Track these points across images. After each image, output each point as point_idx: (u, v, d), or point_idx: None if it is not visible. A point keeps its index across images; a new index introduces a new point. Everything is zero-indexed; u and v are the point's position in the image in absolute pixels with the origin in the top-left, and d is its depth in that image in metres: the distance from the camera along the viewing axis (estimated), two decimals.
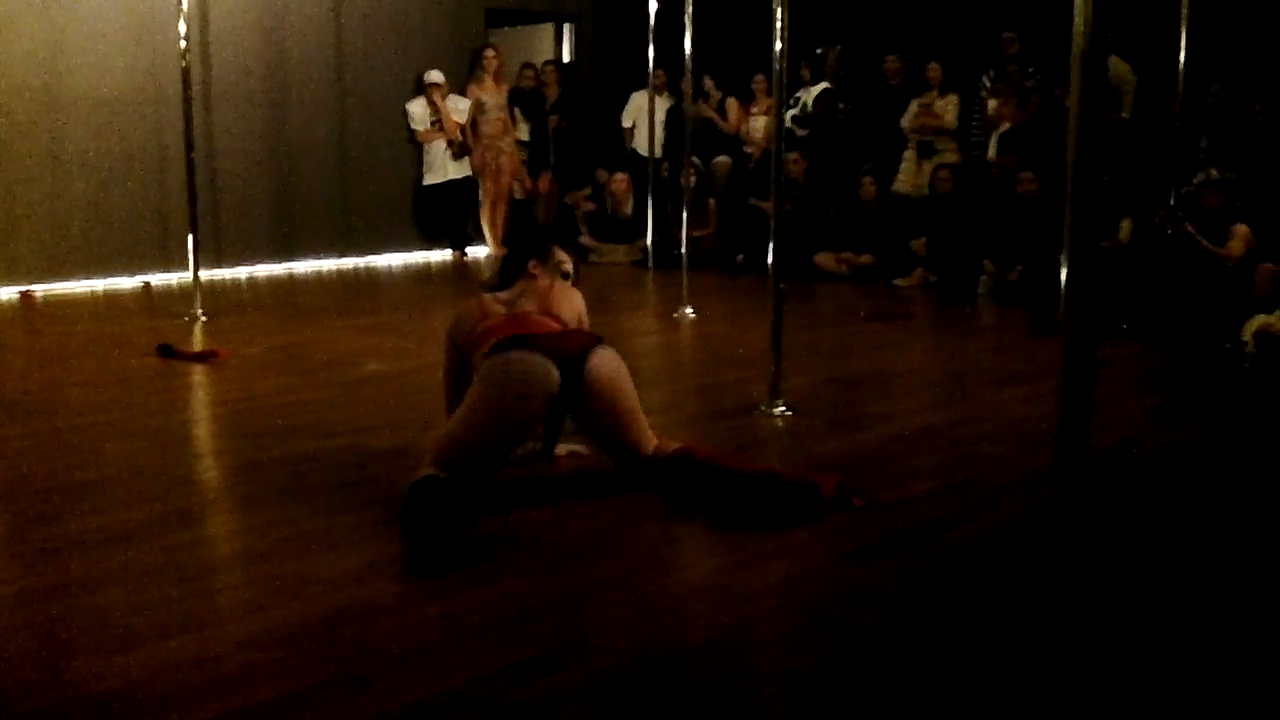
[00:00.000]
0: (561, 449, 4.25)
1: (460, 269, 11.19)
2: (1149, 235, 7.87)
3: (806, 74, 10.81)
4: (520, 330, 3.92)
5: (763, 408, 5.10)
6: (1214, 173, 7.34)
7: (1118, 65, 9.18)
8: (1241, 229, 7.16)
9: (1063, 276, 2.47)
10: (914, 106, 10.16)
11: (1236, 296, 6.56)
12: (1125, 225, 8.45)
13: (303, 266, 10.73)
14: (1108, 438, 4.49)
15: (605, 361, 3.87)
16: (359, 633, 2.82)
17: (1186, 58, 7.88)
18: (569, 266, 4.40)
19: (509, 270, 4.41)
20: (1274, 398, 4.85)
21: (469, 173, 11.65)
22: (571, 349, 3.85)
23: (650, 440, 3.95)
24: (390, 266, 11.20)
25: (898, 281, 9.53)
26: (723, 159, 11.28)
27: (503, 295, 4.26)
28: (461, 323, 4.19)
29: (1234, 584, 3.24)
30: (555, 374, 3.74)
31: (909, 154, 10.26)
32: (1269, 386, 5.07)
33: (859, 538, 3.50)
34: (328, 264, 10.91)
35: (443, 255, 11.69)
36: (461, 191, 11.72)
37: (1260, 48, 8.56)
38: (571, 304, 4.26)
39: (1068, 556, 2.52)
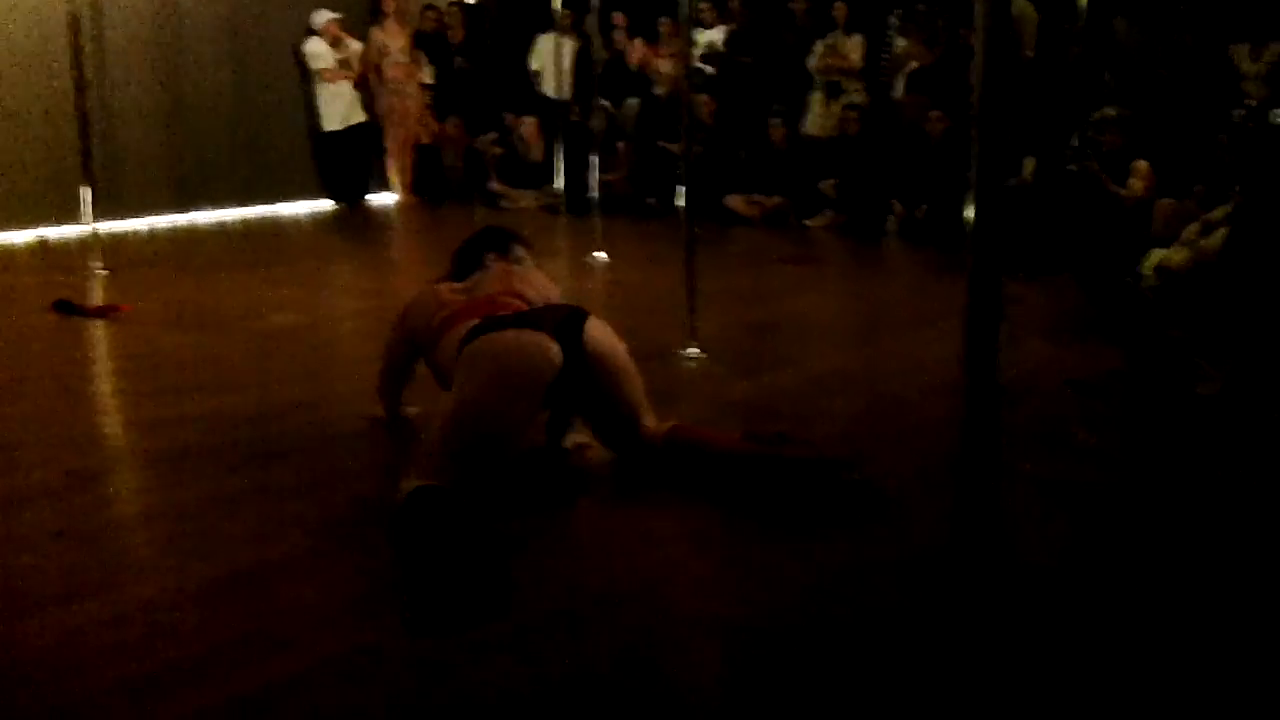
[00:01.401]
0: (569, 440, 3.73)
1: (365, 216, 11.03)
2: (1053, 173, 7.97)
3: (710, 15, 10.76)
4: (495, 311, 3.54)
5: (676, 351, 5.10)
6: (1111, 111, 7.43)
7: (1020, 3, 9.26)
8: (1142, 166, 7.27)
9: (968, 215, 2.49)
10: (820, 47, 10.17)
11: (1137, 232, 6.68)
12: (1029, 163, 8.55)
13: (205, 217, 10.50)
14: (1014, 375, 4.55)
15: (600, 327, 3.51)
16: (271, 591, 2.77)
17: None
18: (529, 262, 4.10)
19: (462, 264, 4.07)
20: (1179, 334, 4.94)
21: (368, 118, 11.46)
22: (560, 319, 3.43)
23: (650, 414, 3.59)
24: (296, 215, 11.01)
25: (808, 222, 9.58)
26: (631, 101, 11.20)
27: (459, 286, 3.90)
28: (416, 313, 3.82)
29: (1144, 518, 3.30)
30: (555, 347, 3.27)
31: (816, 95, 10.27)
32: (1171, 321, 5.16)
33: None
34: (230, 214, 10.68)
35: (342, 204, 11.49)
36: (365, 138, 11.52)
37: None
38: (536, 282, 3.90)
39: (979, 497, 2.55)
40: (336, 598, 2.73)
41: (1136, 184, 7.17)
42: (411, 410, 4.05)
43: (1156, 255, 5.88)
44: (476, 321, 3.43)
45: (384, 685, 2.34)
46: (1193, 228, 5.77)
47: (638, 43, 11.24)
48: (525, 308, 3.63)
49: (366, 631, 2.55)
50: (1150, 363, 4.76)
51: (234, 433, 4.08)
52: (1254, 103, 7.67)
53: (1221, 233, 5.32)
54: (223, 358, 5.29)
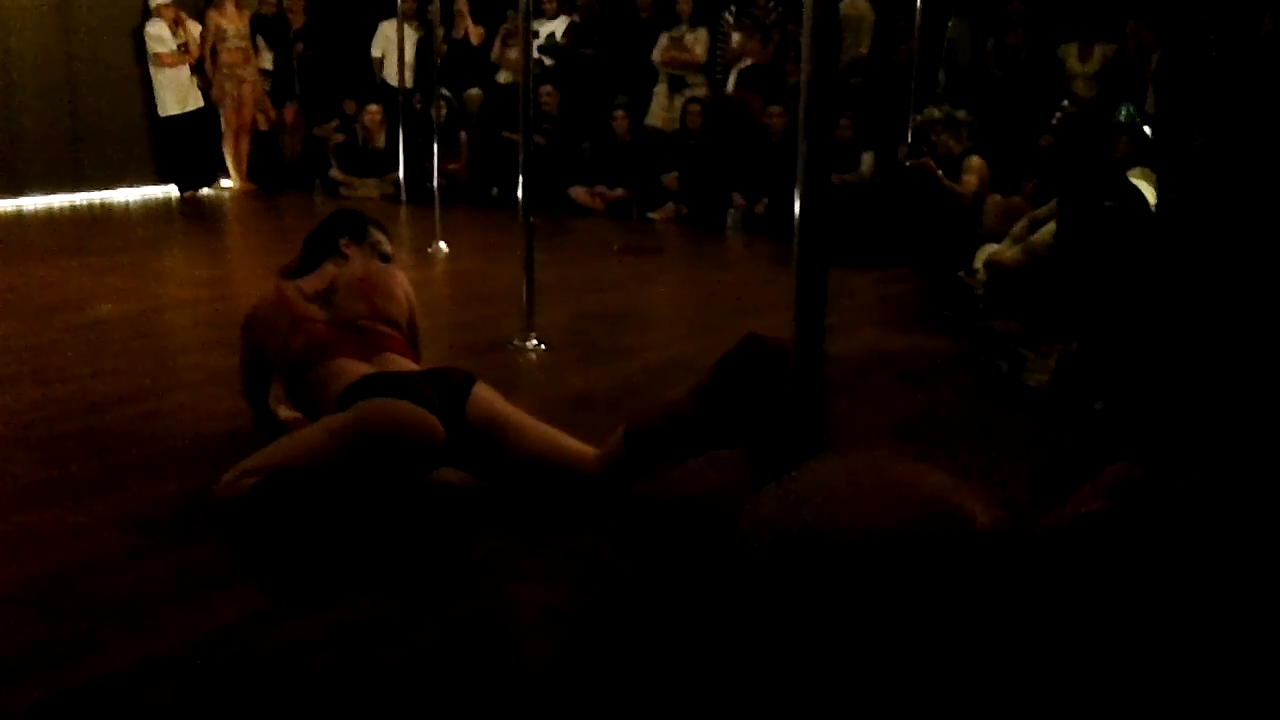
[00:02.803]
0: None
1: (198, 204, 10.73)
2: (890, 169, 8.15)
3: (552, 6, 10.73)
4: (365, 350, 3.41)
5: (515, 343, 5.07)
6: (935, 112, 7.61)
7: (857, 2, 9.45)
8: (975, 163, 7.45)
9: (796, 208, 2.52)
10: (664, 40, 10.22)
11: (970, 227, 6.87)
12: (867, 159, 8.73)
13: (32, 204, 10.09)
14: (844, 365, 4.64)
15: (484, 396, 3.30)
16: (87, 589, 2.67)
17: None
18: (388, 247, 3.91)
19: (314, 250, 3.81)
20: (1004, 326, 5.08)
21: (207, 104, 11.15)
22: (447, 392, 3.23)
23: (584, 447, 3.34)
24: (128, 202, 10.65)
25: (650, 215, 9.63)
26: (474, 91, 11.10)
27: (309, 284, 3.66)
28: (262, 328, 3.59)
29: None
30: (440, 431, 3.14)
31: (660, 88, 10.32)
32: (1001, 314, 5.31)
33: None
34: (59, 200, 10.29)
35: (179, 192, 11.16)
36: (204, 123, 11.20)
37: None
38: (397, 293, 3.72)
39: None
40: (154, 596, 2.64)
41: (970, 180, 7.36)
42: (285, 414, 3.81)
43: (987, 250, 6.03)
44: (365, 375, 3.27)
45: (201, 685, 2.27)
46: (1021, 224, 5.94)
47: (478, 30, 11.13)
48: (405, 358, 3.50)
49: (185, 630, 2.47)
50: (981, 354, 4.89)
51: (55, 426, 3.92)
52: (1070, 107, 7.93)
53: (1049, 228, 5.48)
54: (46, 348, 5.08)
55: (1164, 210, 5.07)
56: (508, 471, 3.32)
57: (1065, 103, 7.06)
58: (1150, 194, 5.36)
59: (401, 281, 3.80)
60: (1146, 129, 6.47)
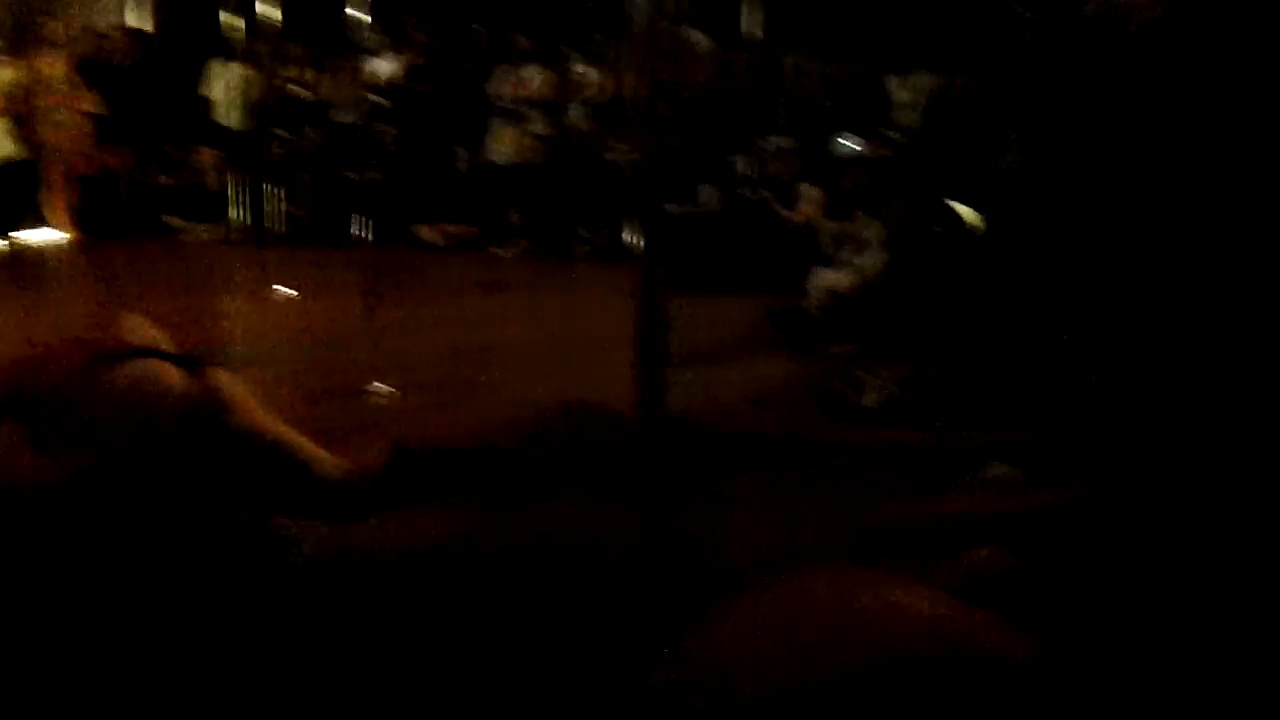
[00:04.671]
0: None
1: (18, 257, 10.37)
2: (729, 198, 8.33)
3: (383, 44, 10.70)
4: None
5: (363, 387, 5.04)
6: (778, 141, 7.83)
7: (695, 34, 9.63)
8: (809, 190, 7.68)
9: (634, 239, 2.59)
10: (504, 74, 10.27)
11: (806, 254, 7.06)
12: (706, 189, 8.90)
13: None
14: (691, 391, 4.73)
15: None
16: None
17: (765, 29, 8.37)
18: None
19: None
20: (841, 349, 5.25)
21: (28, 151, 10.79)
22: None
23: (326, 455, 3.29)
24: None
25: (497, 250, 9.65)
26: (311, 131, 10.98)
27: None
28: None
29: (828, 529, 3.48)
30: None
31: (499, 122, 10.35)
32: (835, 337, 5.48)
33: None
34: None
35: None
36: (22, 172, 10.83)
37: (830, 19, 9.20)
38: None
39: (656, 510, 2.63)
40: None
41: (804, 208, 7.57)
42: None
43: (823, 276, 6.22)
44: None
45: None
46: (854, 249, 6.14)
47: (314, 72, 11.04)
48: None
49: None
50: (820, 377, 5.03)
51: None
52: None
53: (881, 255, 5.69)
54: None
55: (987, 233, 5.30)
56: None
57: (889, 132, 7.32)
58: (972, 218, 5.60)
59: None
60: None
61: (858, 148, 7.85)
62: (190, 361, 3.23)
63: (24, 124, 10.73)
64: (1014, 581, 2.16)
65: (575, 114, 10.04)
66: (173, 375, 3.10)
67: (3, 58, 10.69)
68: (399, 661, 2.41)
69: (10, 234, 10.73)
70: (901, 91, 8.76)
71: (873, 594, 1.74)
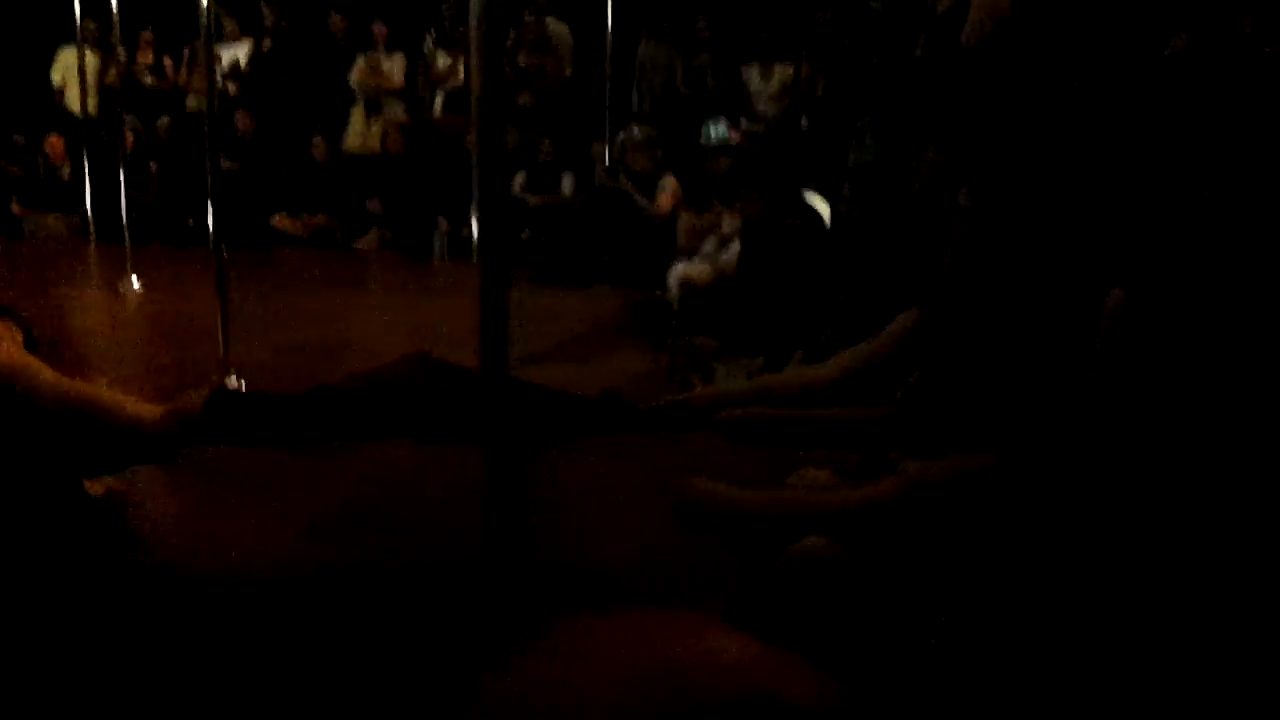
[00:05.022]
0: None
1: None
2: (589, 190, 8.34)
3: (235, 30, 10.49)
4: None
5: (215, 383, 4.94)
6: (639, 130, 7.86)
7: (556, 25, 9.63)
8: (670, 182, 7.72)
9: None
10: (360, 63, 10.14)
11: (665, 246, 7.11)
12: (567, 180, 8.91)
13: None
14: (547, 384, 4.73)
15: None
16: None
17: (613, 18, 8.39)
18: None
19: None
20: (698, 342, 5.30)
21: None
22: None
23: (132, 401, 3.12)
24: None
25: (356, 243, 9.53)
26: (163, 119, 10.72)
27: None
28: None
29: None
30: None
31: (357, 112, 10.23)
32: (693, 329, 5.53)
33: (323, 509, 3.49)
34: None
35: None
36: None
37: (691, 8, 9.26)
38: None
39: (504, 504, 2.62)
40: None
41: (664, 200, 7.61)
42: None
43: (682, 268, 6.26)
44: None
45: None
46: (712, 241, 6.20)
47: (166, 59, 10.79)
48: None
49: None
50: (677, 369, 5.08)
51: None
52: (752, 126, 8.27)
53: (736, 247, 5.75)
54: None
55: (838, 225, 5.38)
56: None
57: (743, 120, 7.38)
58: (825, 211, 5.68)
59: None
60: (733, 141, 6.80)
61: (719, 139, 7.89)
62: None
63: None
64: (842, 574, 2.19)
65: (441, 103, 9.97)
66: None
67: None
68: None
69: None
70: (759, 82, 8.87)
71: (676, 638, 1.70)
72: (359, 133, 10.18)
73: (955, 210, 3.43)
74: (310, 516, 3.42)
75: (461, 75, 9.82)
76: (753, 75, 8.89)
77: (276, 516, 3.40)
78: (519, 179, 9.07)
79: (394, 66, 10.10)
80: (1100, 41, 4.55)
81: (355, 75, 10.15)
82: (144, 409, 3.12)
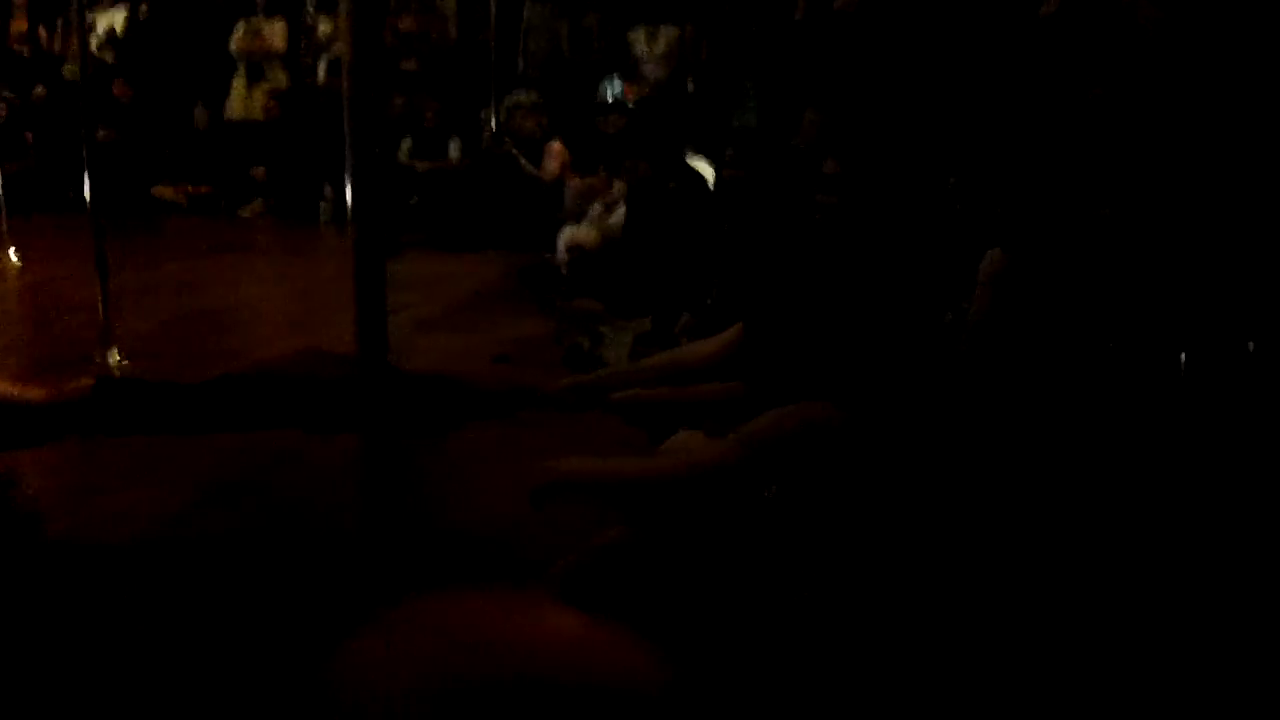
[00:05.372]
0: None
1: None
2: (477, 155, 8.32)
3: None
4: None
5: (96, 358, 4.87)
6: (521, 97, 7.85)
7: None
8: (556, 147, 7.73)
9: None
10: (241, 28, 9.97)
11: (552, 210, 7.14)
12: (454, 145, 8.87)
13: None
14: (438, 350, 4.77)
15: None
16: None
17: None
18: None
19: None
20: (585, 305, 5.35)
21: None
22: None
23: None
24: None
25: (240, 211, 9.41)
26: (39, 88, 10.43)
27: None
28: None
29: None
30: None
31: (239, 79, 10.06)
32: (580, 293, 5.58)
33: (206, 483, 3.48)
34: None
35: None
36: None
37: None
38: None
39: (379, 470, 2.66)
40: None
41: (551, 164, 7.62)
42: None
43: (568, 233, 6.30)
44: None
45: None
46: (598, 206, 6.24)
47: (41, 28, 10.51)
48: None
49: None
50: (565, 333, 5.12)
51: None
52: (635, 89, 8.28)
53: (622, 211, 5.80)
54: None
55: (721, 188, 5.46)
56: None
57: (624, 85, 7.40)
58: (709, 174, 5.76)
59: None
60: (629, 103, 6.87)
61: (617, 97, 7.90)
62: None
63: None
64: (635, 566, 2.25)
65: (325, 69, 9.84)
66: None
67: None
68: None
69: None
70: (645, 45, 8.89)
71: (512, 614, 1.77)
72: (241, 99, 10.01)
73: (822, 179, 3.53)
74: (197, 488, 3.42)
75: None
76: (639, 38, 8.90)
77: (163, 487, 3.39)
78: (405, 145, 9.00)
79: (275, 32, 9.94)
80: (971, 6, 4.68)
81: (235, 41, 9.97)
82: (30, 392, 3.12)
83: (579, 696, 1.62)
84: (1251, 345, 2.98)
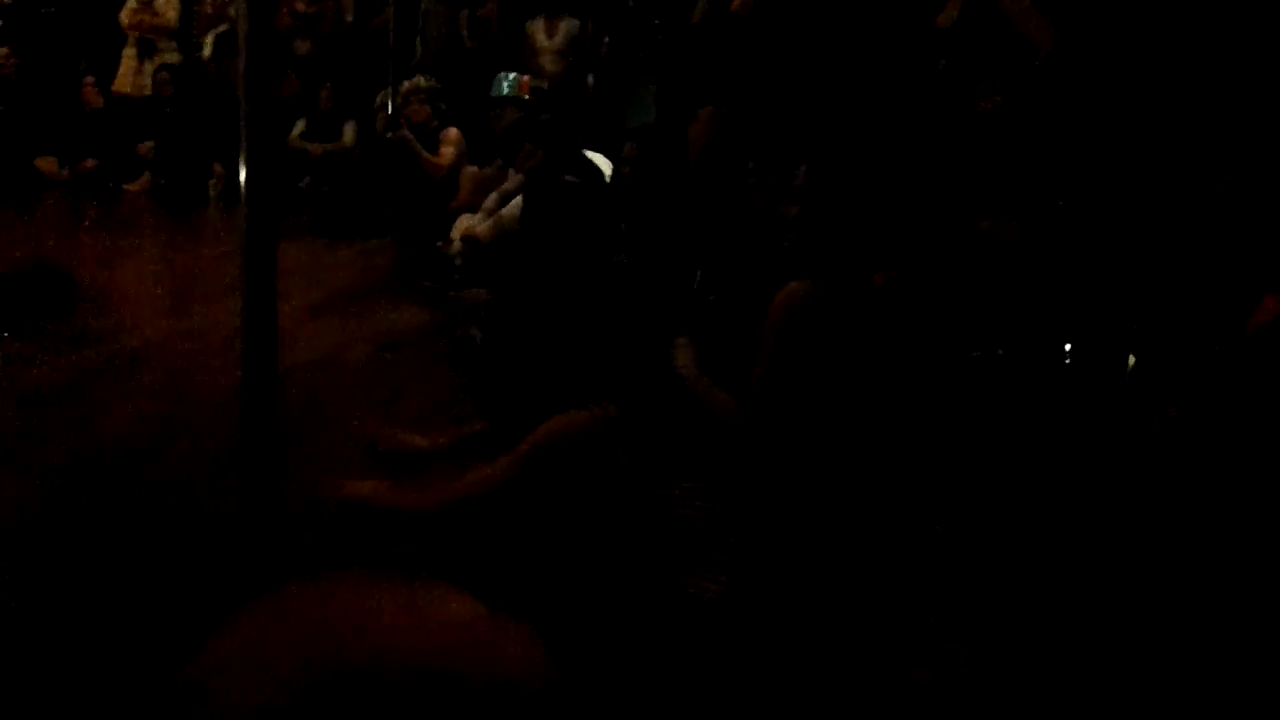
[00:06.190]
0: None
1: None
2: (371, 140, 8.21)
3: None
4: None
5: None
6: (421, 81, 7.75)
7: None
8: (452, 133, 7.64)
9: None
10: (133, 2, 9.71)
11: (446, 199, 7.06)
12: (349, 130, 8.75)
13: None
14: (325, 339, 4.69)
15: None
16: None
17: None
18: None
19: None
20: (476, 296, 5.30)
21: None
22: None
23: None
24: None
25: (126, 186, 9.18)
26: None
27: None
28: None
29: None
30: None
31: (129, 53, 9.81)
32: (472, 284, 5.53)
33: (73, 475, 3.37)
34: None
35: None
36: None
37: None
38: None
39: (259, 472, 2.59)
40: None
41: (446, 151, 7.53)
42: None
43: (463, 222, 6.24)
44: None
45: None
46: (493, 196, 6.19)
47: None
48: None
49: None
50: (455, 324, 5.07)
51: None
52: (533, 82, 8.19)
53: (517, 202, 5.76)
54: None
55: (618, 183, 5.44)
56: None
57: (525, 78, 7.33)
58: (606, 168, 5.74)
59: None
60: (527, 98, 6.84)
61: (511, 90, 7.82)
62: None
63: None
64: None
65: (212, 45, 9.63)
66: None
67: None
68: None
69: None
70: (544, 37, 8.82)
71: (399, 600, 1.77)
72: (130, 74, 9.76)
73: (791, 191, 3.54)
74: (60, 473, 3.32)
75: (233, 16, 9.49)
76: (538, 30, 8.83)
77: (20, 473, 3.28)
78: (299, 127, 8.86)
79: (168, 5, 9.70)
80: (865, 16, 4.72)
81: (126, 14, 9.72)
82: None
83: (457, 683, 1.65)
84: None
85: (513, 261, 5.50)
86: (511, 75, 6.96)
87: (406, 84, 7.75)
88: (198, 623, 2.11)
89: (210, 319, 5.28)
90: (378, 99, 8.23)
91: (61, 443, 3.54)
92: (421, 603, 1.80)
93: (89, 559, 2.82)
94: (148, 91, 9.49)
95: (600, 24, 8.23)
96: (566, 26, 8.75)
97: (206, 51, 9.62)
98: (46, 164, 9.33)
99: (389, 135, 7.57)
